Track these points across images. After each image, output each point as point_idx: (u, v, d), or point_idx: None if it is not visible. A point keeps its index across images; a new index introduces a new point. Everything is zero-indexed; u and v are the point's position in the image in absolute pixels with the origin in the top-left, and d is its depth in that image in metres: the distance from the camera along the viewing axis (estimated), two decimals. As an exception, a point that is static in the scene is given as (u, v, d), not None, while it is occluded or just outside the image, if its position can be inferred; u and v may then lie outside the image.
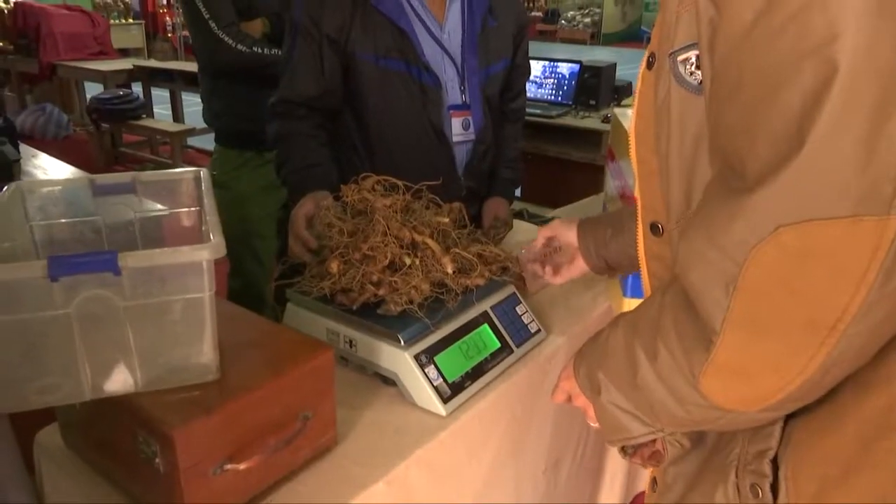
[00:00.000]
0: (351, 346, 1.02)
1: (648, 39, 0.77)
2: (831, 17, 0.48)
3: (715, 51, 0.58)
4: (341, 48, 1.36)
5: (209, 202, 0.81)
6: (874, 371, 0.56)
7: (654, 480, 0.83)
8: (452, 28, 1.44)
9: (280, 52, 1.78)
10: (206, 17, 1.94)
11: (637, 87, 0.76)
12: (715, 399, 0.60)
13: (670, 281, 0.67)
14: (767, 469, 0.62)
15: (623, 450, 0.82)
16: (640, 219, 0.79)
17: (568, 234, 1.16)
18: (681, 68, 0.66)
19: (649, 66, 0.71)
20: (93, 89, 5.92)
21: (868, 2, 0.47)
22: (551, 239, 1.19)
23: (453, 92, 1.45)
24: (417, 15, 1.40)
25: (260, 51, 1.97)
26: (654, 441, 0.78)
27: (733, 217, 0.53)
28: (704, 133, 0.65)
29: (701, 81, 0.64)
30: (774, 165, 0.50)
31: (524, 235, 1.61)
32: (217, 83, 2.08)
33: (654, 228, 0.76)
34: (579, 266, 1.17)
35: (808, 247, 0.50)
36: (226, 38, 1.94)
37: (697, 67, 0.64)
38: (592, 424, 0.81)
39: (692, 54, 0.65)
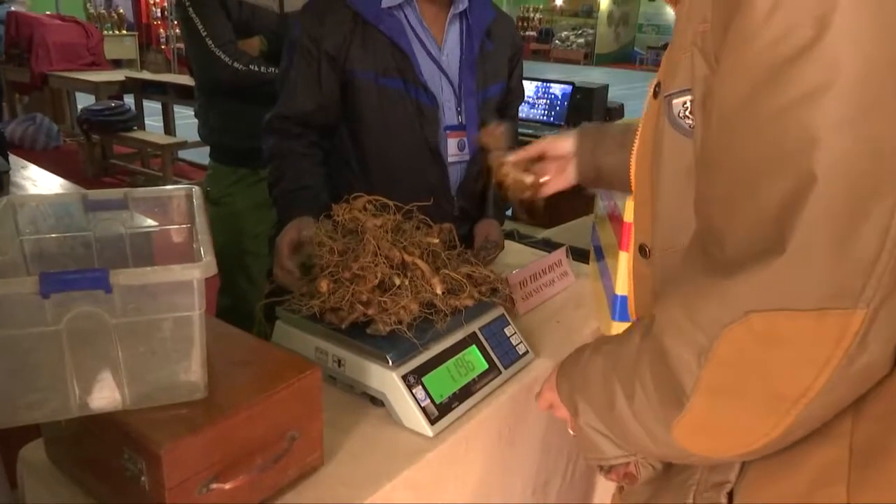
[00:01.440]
0: (339, 366, 1.02)
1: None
2: (810, 124, 0.50)
3: (708, 116, 0.60)
4: (340, 66, 1.38)
5: (201, 220, 0.82)
6: (830, 425, 0.59)
7: (620, 486, 0.86)
8: (450, 50, 1.46)
9: (277, 70, 1.81)
10: (204, 34, 1.95)
11: (644, 111, 0.78)
12: (685, 446, 0.64)
13: (650, 319, 0.69)
14: (724, 500, 0.65)
15: (600, 468, 0.84)
16: (632, 239, 0.82)
17: (562, 143, 1.16)
18: (675, 111, 0.68)
19: (655, 94, 0.74)
20: (84, 100, 5.93)
21: (846, 109, 0.49)
22: (542, 155, 1.18)
23: (450, 113, 1.47)
24: (417, 35, 1.42)
25: (256, 69, 1.98)
26: (627, 463, 0.80)
27: (709, 296, 0.57)
28: (692, 173, 0.67)
29: (693, 126, 0.66)
30: (751, 257, 0.53)
31: (514, 257, 1.62)
32: (213, 100, 2.09)
33: (642, 250, 0.79)
34: (567, 177, 1.18)
35: (776, 333, 0.53)
36: (222, 56, 1.95)
37: (691, 112, 0.67)
38: (572, 433, 0.84)
39: (686, 99, 0.67)
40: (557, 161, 1.18)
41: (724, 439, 0.61)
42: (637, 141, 0.78)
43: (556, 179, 1.18)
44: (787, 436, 0.58)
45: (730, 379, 0.57)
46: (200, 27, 1.96)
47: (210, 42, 1.95)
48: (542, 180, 1.17)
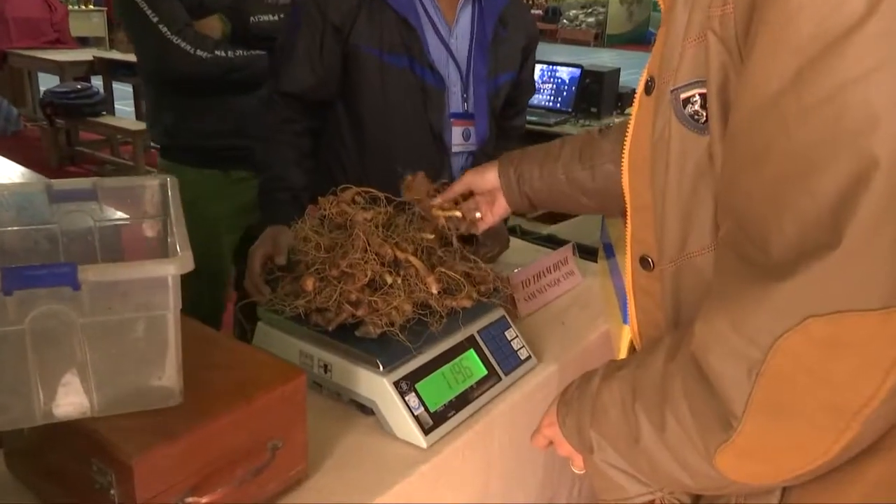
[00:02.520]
0: (325, 371, 1.03)
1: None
2: (869, 102, 0.50)
3: (734, 106, 0.60)
4: (344, 38, 1.39)
5: (176, 212, 0.82)
6: (882, 438, 0.59)
7: None
8: (461, 33, 1.48)
9: (245, 53, 1.80)
10: (155, 20, 1.78)
11: (633, 110, 0.78)
12: (730, 474, 0.63)
13: (674, 343, 0.69)
14: None
15: None
16: (629, 250, 0.82)
17: (485, 178, 1.19)
18: (683, 106, 0.68)
19: (647, 90, 0.73)
20: (48, 81, 5.91)
21: None
22: (466, 193, 1.21)
23: (455, 99, 1.48)
24: (427, 13, 1.43)
25: (224, 54, 1.82)
26: (652, 501, 0.80)
27: (759, 304, 0.56)
28: (704, 172, 0.67)
29: (706, 121, 0.66)
30: (806, 254, 0.53)
31: (517, 254, 1.63)
32: (169, 95, 1.92)
33: (643, 262, 0.79)
34: (499, 209, 1.21)
35: (837, 337, 0.53)
36: (182, 44, 1.78)
37: (702, 106, 0.67)
38: (577, 472, 0.83)
39: (696, 92, 0.67)
40: (486, 195, 1.21)
41: (775, 463, 0.60)
42: (627, 145, 0.78)
43: (489, 214, 1.21)
44: (845, 453, 0.57)
45: (786, 394, 0.57)
46: (150, 12, 1.77)
47: (164, 29, 1.78)
48: (476, 216, 1.21)
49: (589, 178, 1.11)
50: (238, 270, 1.95)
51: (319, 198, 1.14)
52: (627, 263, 0.83)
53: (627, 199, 0.80)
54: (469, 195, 1.22)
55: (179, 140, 1.91)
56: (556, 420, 0.85)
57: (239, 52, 1.84)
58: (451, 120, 1.48)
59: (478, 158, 1.53)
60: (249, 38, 1.84)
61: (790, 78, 0.53)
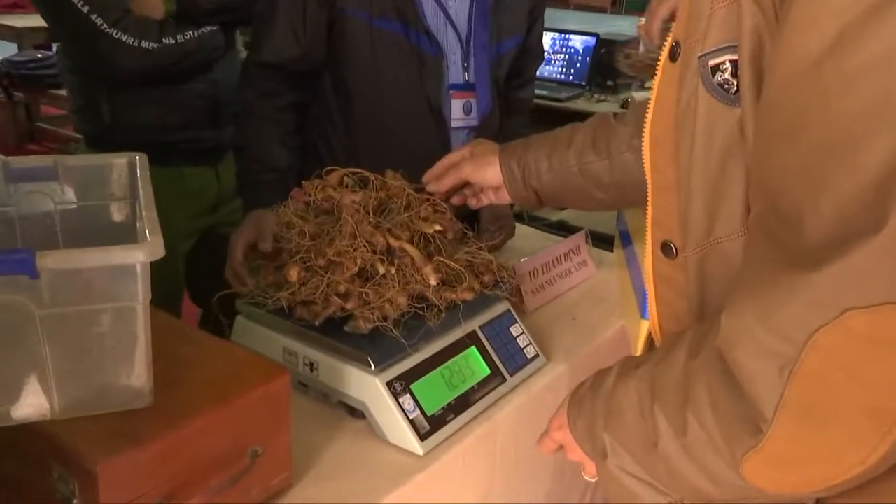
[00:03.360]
0: (312, 370, 1.03)
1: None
2: None
3: (768, 74, 0.59)
4: (330, 1, 1.39)
5: (146, 193, 0.82)
6: None
7: None
8: None
9: (197, 34, 1.70)
10: (86, 10, 1.61)
11: (656, 79, 0.77)
12: (758, 483, 0.63)
13: (697, 338, 0.69)
14: None
15: None
16: (649, 235, 0.82)
17: (485, 173, 1.18)
18: (712, 74, 0.68)
19: (672, 56, 0.73)
20: (4, 50, 5.88)
21: None
22: (464, 183, 1.21)
23: (455, 69, 1.47)
24: None
25: (172, 41, 1.69)
26: None
27: (792, 294, 0.56)
28: (734, 148, 0.67)
29: (737, 91, 0.66)
30: (845, 239, 0.52)
31: (524, 242, 1.63)
32: (115, 91, 1.77)
33: (665, 248, 0.79)
34: (502, 197, 1.20)
35: (880, 333, 0.52)
36: (123, 38, 1.64)
37: (733, 75, 0.66)
38: (588, 479, 0.83)
39: (727, 59, 0.66)
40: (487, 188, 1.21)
41: (808, 472, 0.60)
42: (649, 118, 0.77)
43: (491, 195, 1.22)
44: (885, 462, 0.57)
45: (820, 395, 0.56)
46: (80, 3, 1.61)
47: (100, 22, 1.62)
48: (479, 205, 1.23)
49: (606, 169, 1.11)
50: (192, 285, 1.94)
51: (303, 182, 1.14)
52: (647, 250, 0.83)
53: (648, 177, 0.80)
54: (464, 186, 1.21)
55: (118, 135, 1.77)
56: (566, 422, 0.86)
57: (189, 34, 1.70)
58: (451, 92, 1.47)
59: (480, 135, 1.52)
60: (199, 15, 1.71)
61: (830, 42, 0.53)
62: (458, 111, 1.49)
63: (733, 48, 0.65)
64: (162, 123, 1.75)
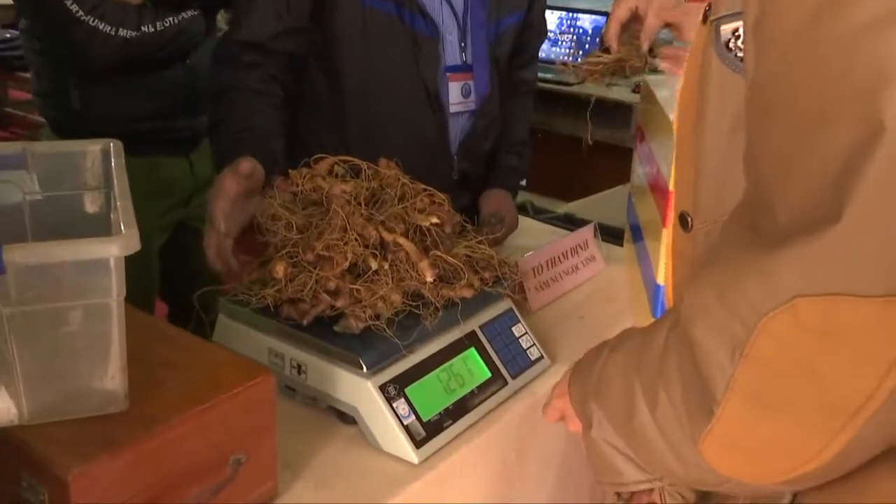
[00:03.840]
0: (299, 372, 1.03)
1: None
2: (883, 53, 0.49)
3: (762, 45, 0.60)
4: None
5: (120, 182, 0.82)
6: None
7: None
8: None
9: (177, 20, 1.68)
10: None
11: (693, 43, 0.78)
12: (716, 466, 0.65)
13: (679, 309, 0.69)
14: None
15: (617, 495, 0.86)
16: (672, 206, 0.84)
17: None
18: (724, 39, 0.68)
19: (705, 17, 0.74)
20: (-30, 30, 5.87)
21: None
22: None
23: (451, 49, 1.47)
24: None
25: (152, 28, 1.68)
26: (651, 490, 0.82)
27: (748, 274, 0.57)
28: (742, 120, 0.68)
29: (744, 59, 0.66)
30: (806, 225, 0.53)
31: (528, 236, 1.63)
32: (85, 76, 1.77)
33: (682, 220, 0.80)
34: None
35: (829, 324, 0.53)
36: (100, 26, 1.63)
37: (744, 41, 0.67)
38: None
39: (739, 25, 0.67)
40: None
41: (762, 461, 0.62)
42: (682, 79, 0.79)
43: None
44: (844, 460, 0.58)
45: (769, 382, 0.58)
46: None
47: (75, 8, 1.60)
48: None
49: None
50: (161, 281, 1.94)
51: (291, 171, 1.14)
52: (669, 224, 0.84)
53: (676, 145, 0.82)
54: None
55: (87, 123, 1.76)
56: (566, 389, 0.89)
57: (169, 21, 1.70)
58: (448, 74, 1.47)
59: (477, 122, 1.52)
60: None
61: (807, 17, 0.53)
62: (455, 95, 1.49)
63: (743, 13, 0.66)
64: (135, 111, 1.75)
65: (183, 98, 1.79)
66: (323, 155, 1.14)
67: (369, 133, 1.44)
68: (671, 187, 1.11)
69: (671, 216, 0.84)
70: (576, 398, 0.86)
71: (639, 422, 0.71)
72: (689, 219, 0.79)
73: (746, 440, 0.61)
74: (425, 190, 1.15)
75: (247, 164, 1.16)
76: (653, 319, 1.23)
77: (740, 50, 0.68)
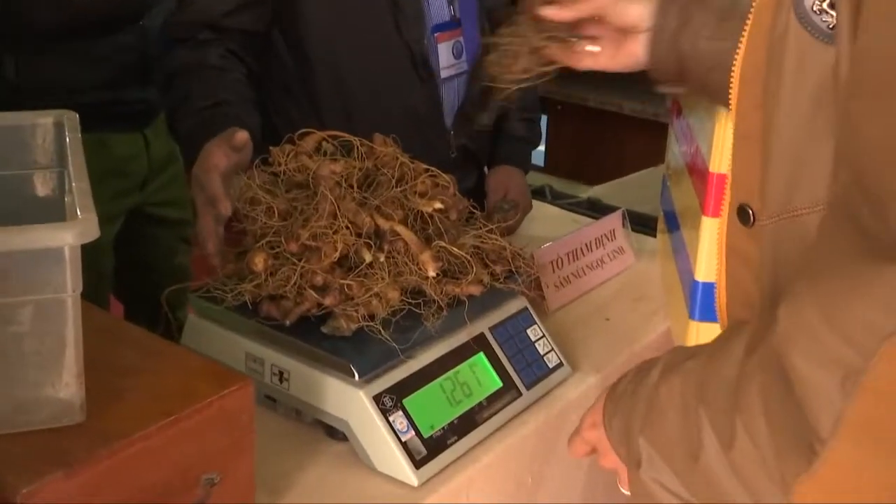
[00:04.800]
0: (281, 380, 1.04)
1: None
2: None
3: (866, 9, 0.59)
4: None
5: (76, 161, 0.82)
6: None
7: None
8: None
9: None
10: None
11: (757, 2, 0.77)
12: None
13: (758, 330, 0.68)
14: None
15: None
16: (727, 195, 0.83)
17: (628, 6, 1.03)
18: (808, 2, 0.68)
19: None
20: None
21: None
22: (598, 17, 1.06)
23: (438, 6, 1.47)
24: None
25: None
26: None
27: (865, 291, 0.56)
28: (826, 97, 0.67)
29: (833, 27, 0.66)
30: None
31: (545, 224, 1.63)
32: (21, 43, 1.76)
33: (742, 213, 0.80)
34: (626, 57, 1.06)
35: None
36: None
37: (831, 6, 0.66)
38: (625, 492, 0.84)
39: None
40: (616, 33, 1.07)
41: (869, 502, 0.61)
42: (743, 45, 0.78)
43: (608, 56, 1.07)
44: None
45: (890, 416, 0.57)
46: None
47: None
48: (587, 48, 1.08)
49: None
50: (120, 275, 1.95)
51: (272, 149, 1.14)
52: (724, 214, 0.84)
53: (733, 123, 0.81)
54: (591, 22, 1.07)
55: (25, 96, 1.70)
56: (600, 419, 0.87)
57: None
58: (435, 35, 1.47)
59: (471, 85, 1.51)
60: None
61: None
62: (446, 57, 1.48)
63: None
64: (80, 81, 1.74)
65: (135, 65, 1.78)
66: (309, 130, 1.13)
67: (348, 111, 1.44)
68: (713, 168, 1.12)
69: (723, 206, 0.83)
70: (616, 431, 0.84)
71: (706, 462, 0.70)
72: (751, 212, 0.78)
73: (856, 484, 0.60)
74: (427, 171, 1.15)
75: (242, 135, 1.15)
76: (690, 321, 1.24)
77: (828, 14, 0.67)
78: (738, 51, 0.79)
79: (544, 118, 2.93)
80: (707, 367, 0.73)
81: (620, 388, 0.86)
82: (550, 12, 1.03)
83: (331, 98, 1.45)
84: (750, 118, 0.77)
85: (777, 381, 0.64)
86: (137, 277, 1.99)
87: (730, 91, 0.80)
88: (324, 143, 1.15)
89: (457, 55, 1.50)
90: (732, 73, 0.80)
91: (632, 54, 1.05)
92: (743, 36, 0.78)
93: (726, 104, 0.88)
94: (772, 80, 0.72)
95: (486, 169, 1.73)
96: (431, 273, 1.06)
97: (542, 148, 3.14)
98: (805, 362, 0.60)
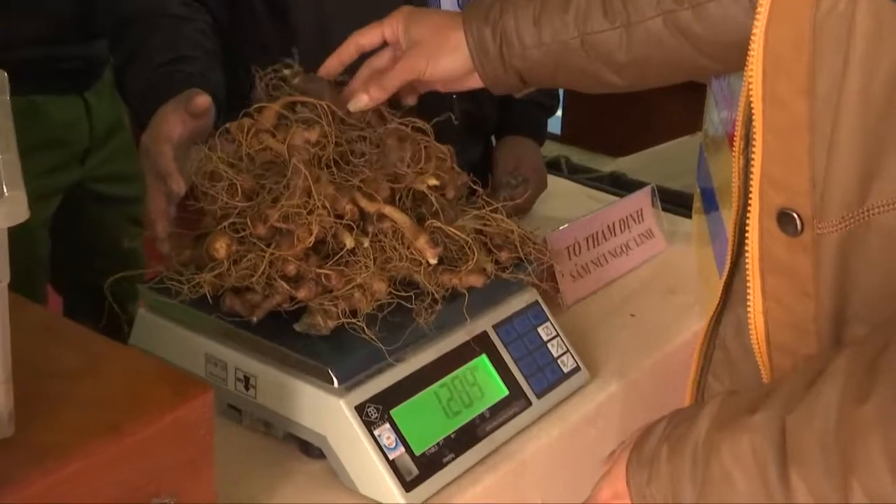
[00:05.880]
0: (247, 387, 1.04)
1: None
2: None
3: None
4: None
5: (3, 128, 0.82)
6: None
7: None
8: None
9: None
10: None
11: None
12: None
13: (865, 367, 0.67)
14: None
15: None
16: (755, 199, 0.82)
17: (440, 59, 1.14)
18: None
19: None
20: None
21: None
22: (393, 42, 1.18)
23: None
24: None
25: None
26: None
27: None
28: None
29: None
30: None
31: (561, 203, 1.63)
32: None
33: (783, 221, 0.79)
34: (463, 83, 1.18)
35: None
36: None
37: None
38: None
39: None
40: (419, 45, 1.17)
41: None
42: (761, 24, 0.77)
43: (431, 65, 1.15)
44: None
45: None
46: None
47: None
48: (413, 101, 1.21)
49: (621, 42, 1.09)
50: (52, 264, 1.94)
51: (229, 125, 1.13)
52: (753, 223, 0.83)
53: (758, 112, 0.80)
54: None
55: None
56: (624, 490, 0.85)
57: None
58: None
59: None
60: None
61: None
62: (450, 3, 1.50)
63: None
64: (8, 35, 1.70)
65: (74, 16, 1.77)
66: (266, 104, 1.12)
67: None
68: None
69: (753, 210, 0.82)
70: (656, 498, 0.81)
71: None
72: (798, 218, 0.77)
73: None
74: (420, 139, 1.14)
75: (202, 99, 1.16)
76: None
77: None
78: (754, 37, 0.78)
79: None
80: (790, 419, 0.71)
81: (649, 449, 0.83)
82: (360, 102, 1.15)
83: (310, 48, 1.45)
84: (790, 108, 0.76)
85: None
86: (78, 266, 1.99)
87: (750, 82, 0.79)
88: (288, 113, 1.14)
89: (461, 3, 1.50)
90: (750, 62, 0.79)
91: (469, 82, 1.18)
92: (758, 16, 0.78)
93: (581, 89, 1.04)
94: (827, 61, 0.72)
95: (493, 139, 1.75)
96: (431, 260, 1.06)
97: (558, 113, 3.13)
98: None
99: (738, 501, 0.74)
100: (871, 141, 0.71)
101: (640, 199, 1.51)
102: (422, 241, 1.06)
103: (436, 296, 1.06)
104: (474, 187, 1.19)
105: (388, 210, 1.07)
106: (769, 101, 0.79)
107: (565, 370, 1.18)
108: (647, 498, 0.82)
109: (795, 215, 0.77)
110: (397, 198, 1.10)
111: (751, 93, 0.80)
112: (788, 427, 0.71)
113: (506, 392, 1.11)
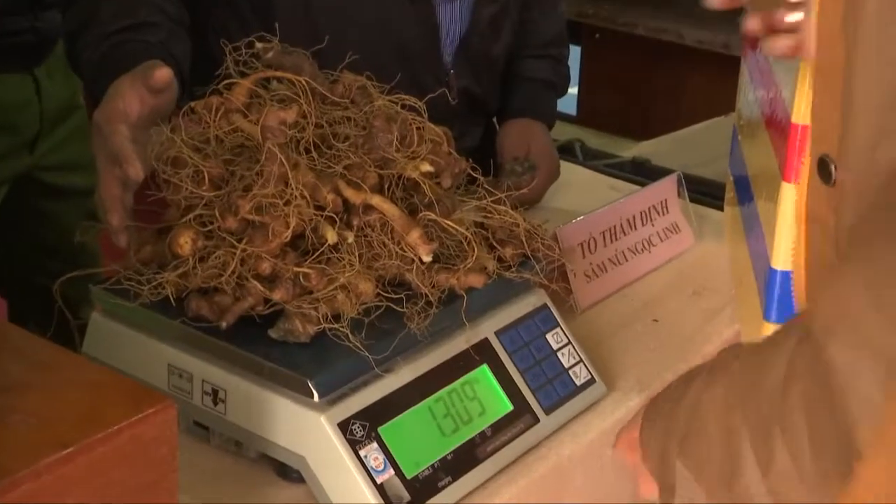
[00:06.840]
0: (215, 402, 1.05)
1: None
2: None
3: None
4: None
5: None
6: None
7: None
8: None
9: None
10: None
11: None
12: None
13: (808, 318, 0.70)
14: None
15: None
16: (808, 148, 0.86)
17: None
18: None
19: None
20: None
21: None
22: None
23: None
24: None
25: None
26: None
27: None
28: None
29: None
30: None
31: (574, 192, 1.64)
32: None
33: (822, 168, 0.81)
34: None
35: None
36: None
37: None
38: None
39: None
40: None
41: None
42: None
43: None
44: None
45: None
46: None
47: None
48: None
49: None
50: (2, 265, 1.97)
51: (195, 103, 1.14)
52: (804, 176, 0.86)
53: (813, 58, 0.83)
54: None
55: None
56: (637, 438, 0.91)
57: None
58: None
59: (477, 8, 1.52)
60: None
61: None
62: None
63: None
64: None
65: None
66: (236, 80, 1.13)
67: (313, 40, 1.44)
68: (796, 118, 1.12)
69: (800, 164, 0.84)
70: (654, 454, 0.87)
71: (744, 485, 0.73)
72: (832, 165, 0.79)
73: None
74: (413, 120, 1.15)
75: (163, 72, 1.15)
76: (765, 323, 1.25)
77: None
78: None
79: (576, 52, 2.92)
80: (751, 369, 0.75)
81: (660, 401, 0.90)
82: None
83: (291, 17, 1.46)
84: (832, 49, 0.78)
85: (819, 380, 0.66)
86: (26, 266, 2.00)
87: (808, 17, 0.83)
88: (274, 83, 1.15)
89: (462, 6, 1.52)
90: None
91: None
92: None
93: None
94: (858, 8, 0.73)
95: (495, 121, 1.75)
96: (425, 258, 1.07)
97: (573, 90, 3.11)
98: (844, 354, 0.62)
99: (709, 453, 0.78)
100: (884, 89, 0.72)
101: (665, 189, 1.52)
102: (414, 236, 1.06)
103: (430, 298, 1.06)
104: (474, 175, 1.20)
105: (376, 200, 1.07)
106: (819, 42, 0.82)
107: (578, 382, 1.18)
108: (650, 447, 0.89)
109: (830, 162, 0.80)
110: (386, 186, 1.10)
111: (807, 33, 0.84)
112: (749, 378, 0.76)
113: (510, 407, 1.11)
